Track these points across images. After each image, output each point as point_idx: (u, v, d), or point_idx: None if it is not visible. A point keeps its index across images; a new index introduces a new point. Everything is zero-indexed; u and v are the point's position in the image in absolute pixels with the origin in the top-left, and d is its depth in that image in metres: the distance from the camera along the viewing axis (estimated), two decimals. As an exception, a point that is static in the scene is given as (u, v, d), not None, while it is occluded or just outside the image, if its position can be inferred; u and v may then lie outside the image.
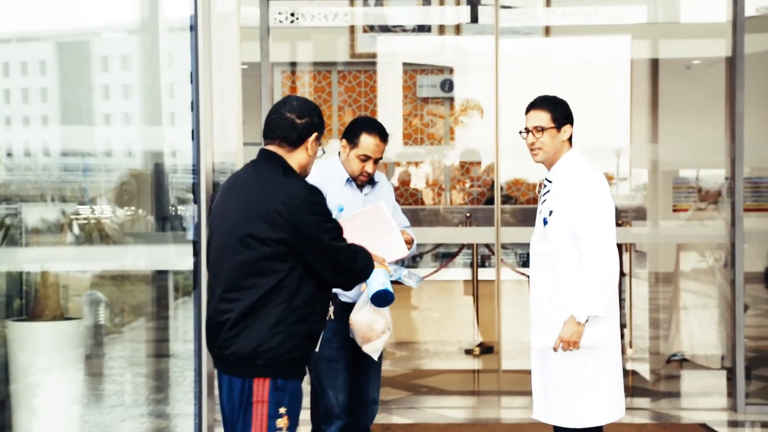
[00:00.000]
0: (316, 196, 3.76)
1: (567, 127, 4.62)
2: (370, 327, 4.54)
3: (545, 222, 4.56)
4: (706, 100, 14.85)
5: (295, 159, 3.86)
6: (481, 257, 9.63)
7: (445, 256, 10.07)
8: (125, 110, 7.71)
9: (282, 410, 3.80)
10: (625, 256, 9.33)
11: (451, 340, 9.47)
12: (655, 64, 10.45)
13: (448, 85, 14.00)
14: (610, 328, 4.52)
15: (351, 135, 4.81)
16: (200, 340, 5.15)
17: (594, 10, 9.57)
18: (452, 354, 9.05)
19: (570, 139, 4.65)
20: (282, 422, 3.82)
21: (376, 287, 4.09)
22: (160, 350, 7.54)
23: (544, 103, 4.64)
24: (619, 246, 9.75)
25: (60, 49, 7.35)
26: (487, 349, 8.81)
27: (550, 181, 4.63)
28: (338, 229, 3.81)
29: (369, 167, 4.78)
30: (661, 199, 14.97)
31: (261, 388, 3.78)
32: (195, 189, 5.30)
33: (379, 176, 4.95)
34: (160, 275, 7.34)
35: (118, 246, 7.06)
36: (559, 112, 4.61)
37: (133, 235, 7.35)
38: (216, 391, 5.03)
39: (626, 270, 9.33)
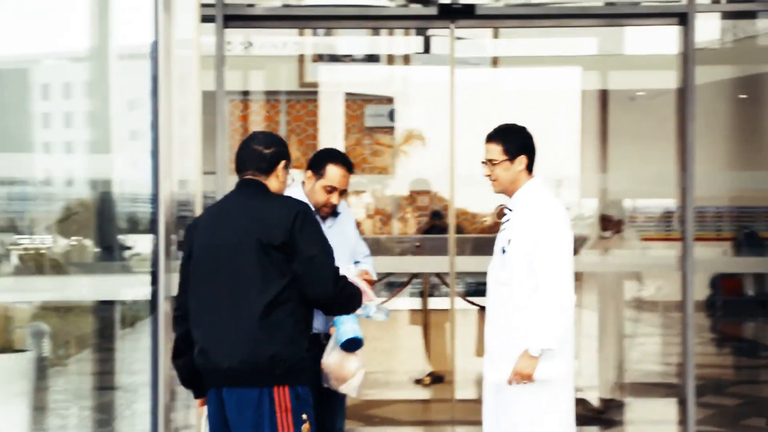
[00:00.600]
0: (310, 209, 4.06)
1: (522, 158, 4.61)
2: (343, 367, 4.53)
3: (504, 250, 4.58)
4: (652, 130, 15.06)
5: (269, 186, 4.14)
6: (431, 286, 9.64)
7: (393, 285, 10.06)
8: (70, 138, 7.65)
9: (304, 416, 3.94)
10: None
11: (400, 369, 9.46)
12: (603, 95, 10.58)
13: (394, 115, 14.05)
14: (564, 362, 4.53)
15: (316, 166, 4.81)
16: (157, 370, 5.10)
17: (545, 42, 9.69)
18: (402, 384, 9.04)
19: (530, 168, 4.65)
20: (305, 428, 3.95)
21: (346, 335, 4.19)
22: (106, 383, 7.45)
23: (497, 135, 4.65)
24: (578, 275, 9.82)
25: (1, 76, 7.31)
26: (437, 378, 8.81)
27: (511, 210, 4.66)
28: (329, 246, 4.04)
29: (334, 198, 4.81)
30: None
31: (282, 397, 3.90)
32: (153, 219, 5.26)
33: (342, 207, 4.96)
34: (105, 306, 7.26)
35: (62, 276, 6.98)
36: (512, 143, 4.61)
37: (77, 265, 7.27)
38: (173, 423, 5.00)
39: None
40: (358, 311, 4.34)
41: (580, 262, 8.70)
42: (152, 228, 5.34)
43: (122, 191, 7.13)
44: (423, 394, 8.75)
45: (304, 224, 3.96)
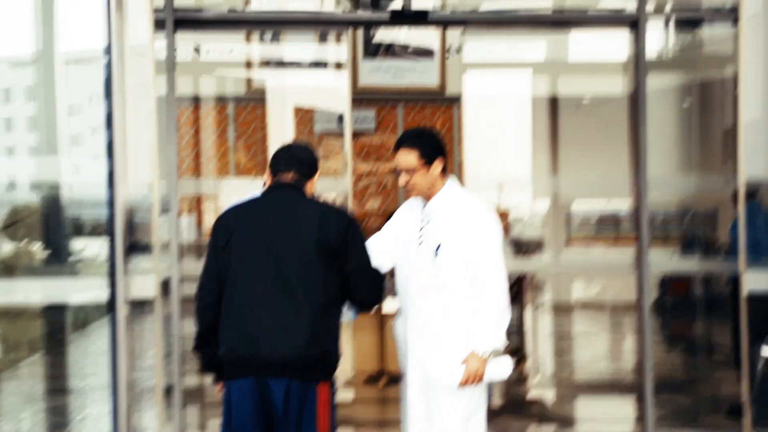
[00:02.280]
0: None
1: (437, 162, 4.58)
2: None
3: (436, 254, 4.54)
4: (600, 136, 15.26)
5: (307, 190, 4.40)
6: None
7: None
8: (13, 142, 7.60)
9: (336, 413, 4.18)
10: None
11: (355, 370, 9.45)
12: (554, 100, 10.68)
13: (344, 121, 14.08)
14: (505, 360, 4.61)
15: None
16: (117, 372, 5.08)
17: (497, 47, 9.75)
18: (356, 385, 9.03)
19: (444, 170, 4.63)
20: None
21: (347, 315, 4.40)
22: (58, 386, 7.38)
23: (410, 141, 4.59)
24: (520, 278, 9.93)
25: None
26: (394, 379, 8.81)
27: (427, 216, 4.63)
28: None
29: None
30: (557, 230, 15.29)
31: (324, 393, 4.09)
32: (110, 222, 5.25)
33: None
34: (55, 309, 7.20)
35: (10, 280, 6.90)
36: (427, 148, 4.58)
37: (25, 268, 7.20)
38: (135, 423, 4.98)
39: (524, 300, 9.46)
40: None
41: (535, 263, 8.80)
42: (109, 231, 5.33)
43: (70, 195, 7.07)
44: (377, 394, 8.75)
45: (356, 232, 4.26)
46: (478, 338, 4.47)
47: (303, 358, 4.04)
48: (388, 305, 4.88)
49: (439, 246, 4.53)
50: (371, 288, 4.30)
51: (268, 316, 4.08)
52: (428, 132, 4.68)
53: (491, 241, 4.51)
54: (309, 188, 4.39)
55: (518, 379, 9.48)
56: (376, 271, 4.34)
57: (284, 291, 4.09)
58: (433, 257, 4.55)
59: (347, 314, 4.53)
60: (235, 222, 4.25)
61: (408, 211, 4.77)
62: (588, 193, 15.96)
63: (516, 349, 10.93)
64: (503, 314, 4.49)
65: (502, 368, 4.51)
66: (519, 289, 10.31)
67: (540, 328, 11.49)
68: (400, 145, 4.60)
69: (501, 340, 4.47)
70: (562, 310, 15.78)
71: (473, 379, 4.45)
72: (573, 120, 15.52)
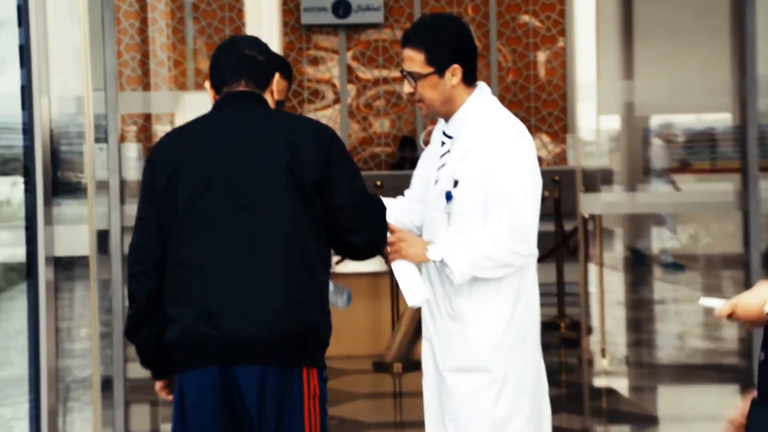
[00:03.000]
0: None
1: (455, 68, 4.43)
2: None
3: (449, 197, 4.45)
4: (689, 25, 15.17)
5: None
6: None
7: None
8: None
9: (327, 407, 4.10)
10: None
11: (361, 353, 9.49)
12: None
13: (343, 8, 13.95)
14: (528, 351, 4.51)
15: None
16: (38, 360, 5.09)
17: None
18: (365, 373, 9.08)
19: (468, 78, 4.49)
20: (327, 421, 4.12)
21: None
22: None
23: (416, 37, 4.46)
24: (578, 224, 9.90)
25: None
26: (413, 365, 8.84)
27: (450, 137, 4.53)
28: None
29: None
30: (631, 157, 15.28)
31: (312, 380, 4.03)
32: (26, 154, 5.21)
33: None
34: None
35: None
36: (439, 49, 4.43)
37: None
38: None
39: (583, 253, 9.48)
40: None
41: (604, 203, 8.82)
42: (25, 166, 5.30)
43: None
44: (390, 384, 8.81)
45: (342, 152, 4.11)
46: (445, 240, 4.36)
47: (281, 334, 3.96)
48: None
49: (456, 183, 4.42)
50: (369, 228, 4.21)
51: (229, 280, 4.00)
52: (444, 24, 4.52)
53: (522, 173, 4.38)
54: (269, 100, 4.27)
55: (579, 361, 9.52)
56: (374, 203, 4.24)
57: (250, 244, 4.01)
58: (444, 201, 4.45)
59: (338, 299, 4.49)
60: (176, 153, 4.14)
61: (434, 138, 4.69)
62: (673, 104, 15.88)
63: (574, 323, 10.99)
64: (495, 266, 4.35)
65: (417, 289, 4.40)
66: (577, 238, 10.31)
67: (609, 293, 11.51)
68: (404, 41, 4.50)
69: (463, 273, 4.32)
70: (640, 268, 15.83)
71: (394, 250, 4.37)
72: (652, 3, 15.39)
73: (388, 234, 4.37)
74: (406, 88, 4.48)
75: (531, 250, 4.36)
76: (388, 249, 4.37)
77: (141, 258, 4.17)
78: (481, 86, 4.52)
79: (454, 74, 4.42)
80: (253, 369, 3.96)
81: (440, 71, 4.41)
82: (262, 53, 4.25)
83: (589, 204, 8.61)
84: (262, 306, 3.96)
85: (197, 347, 4.01)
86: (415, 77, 4.43)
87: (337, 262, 8.89)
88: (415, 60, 4.43)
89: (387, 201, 4.59)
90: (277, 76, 4.28)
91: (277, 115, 4.21)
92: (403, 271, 4.40)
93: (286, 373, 3.98)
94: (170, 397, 4.24)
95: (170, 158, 4.13)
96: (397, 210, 4.67)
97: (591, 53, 10.62)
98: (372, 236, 4.23)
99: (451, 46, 4.43)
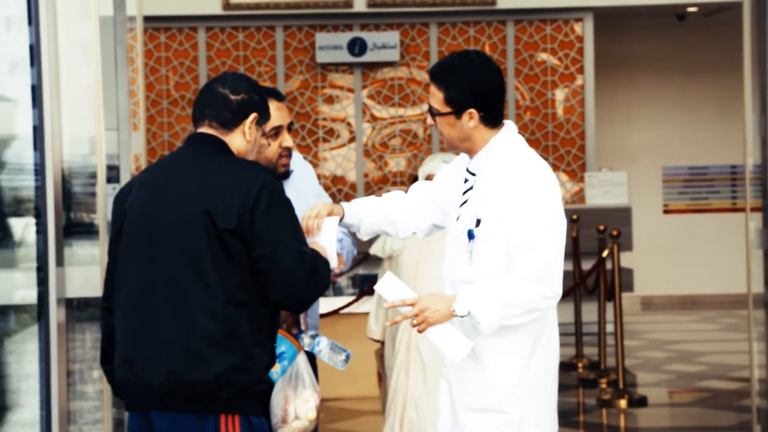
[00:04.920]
0: (279, 184, 4.11)
1: (471, 112, 4.39)
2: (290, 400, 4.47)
3: (471, 236, 4.42)
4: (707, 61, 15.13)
5: (232, 143, 4.20)
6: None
7: (366, 280, 10.01)
8: None
9: None
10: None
11: (376, 394, 9.45)
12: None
13: (359, 46, 13.96)
14: (546, 394, 4.47)
15: None
16: (48, 398, 5.10)
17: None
18: (379, 414, 9.04)
19: (491, 120, 4.44)
20: None
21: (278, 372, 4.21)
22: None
23: (438, 75, 4.45)
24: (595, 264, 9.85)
25: None
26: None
27: (473, 174, 4.51)
28: (301, 232, 4.15)
29: (287, 140, 4.92)
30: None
31: (231, 427, 3.98)
32: (38, 194, 5.22)
33: (294, 161, 5.08)
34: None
35: None
36: (456, 91, 4.39)
37: None
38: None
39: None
40: (305, 345, 4.36)
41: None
42: (37, 207, 5.30)
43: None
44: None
45: (271, 203, 4.02)
46: (468, 289, 4.31)
47: (190, 383, 3.94)
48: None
49: (478, 222, 4.40)
50: (281, 287, 4.05)
51: (145, 329, 4.02)
52: (468, 65, 4.47)
53: (545, 214, 4.35)
54: (238, 141, 4.21)
55: (600, 402, 9.49)
56: (298, 259, 4.06)
57: (167, 293, 4.00)
58: (467, 239, 4.43)
59: (337, 360, 4.41)
60: (130, 197, 4.20)
61: (456, 170, 4.68)
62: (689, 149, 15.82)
63: (591, 363, 10.94)
64: (526, 310, 4.33)
65: (458, 344, 4.37)
66: (596, 279, 10.29)
67: (626, 333, 11.47)
68: (430, 75, 4.50)
69: (491, 325, 4.29)
70: (654, 307, 15.77)
71: (419, 321, 4.30)
72: (667, 45, 15.35)
73: (409, 308, 4.28)
74: (429, 120, 4.49)
75: (557, 292, 4.31)
76: (414, 322, 4.35)
77: (105, 296, 4.27)
78: (508, 125, 4.48)
79: (471, 118, 4.38)
80: (166, 416, 3.99)
81: (457, 113, 4.39)
82: (237, 92, 4.20)
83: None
84: (174, 354, 3.96)
85: (124, 392, 4.10)
86: (434, 114, 4.45)
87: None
88: (435, 96, 4.43)
89: (393, 194, 4.68)
90: (252, 116, 4.21)
91: (220, 160, 4.13)
92: (437, 334, 4.36)
93: (200, 420, 3.96)
94: None
95: (124, 202, 4.19)
96: (383, 206, 4.71)
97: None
98: (286, 294, 4.08)
99: (469, 90, 4.38)
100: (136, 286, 4.05)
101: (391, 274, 4.43)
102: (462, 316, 4.28)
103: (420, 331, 4.32)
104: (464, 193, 4.51)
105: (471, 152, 4.48)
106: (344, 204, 4.69)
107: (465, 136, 4.43)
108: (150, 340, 3.98)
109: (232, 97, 4.18)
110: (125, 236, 4.11)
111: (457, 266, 4.45)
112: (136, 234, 4.08)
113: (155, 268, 4.01)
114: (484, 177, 4.43)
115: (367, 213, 4.70)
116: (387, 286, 4.37)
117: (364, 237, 4.79)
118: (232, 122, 4.18)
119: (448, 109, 4.40)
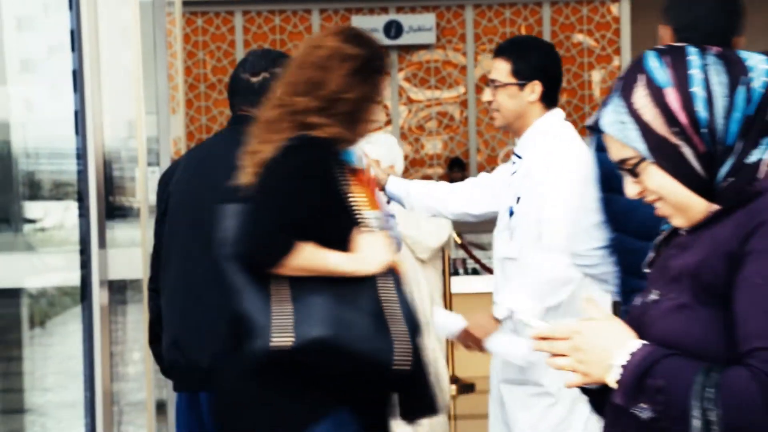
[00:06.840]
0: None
1: (535, 84, 4.59)
2: None
3: (511, 213, 4.57)
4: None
5: None
6: (453, 261, 9.66)
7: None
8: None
9: None
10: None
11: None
12: None
13: (395, 29, 13.98)
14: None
15: None
16: (93, 383, 5.15)
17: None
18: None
19: (548, 100, 4.63)
20: None
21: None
22: (11, 404, 7.49)
23: (506, 49, 4.67)
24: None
25: None
26: (466, 386, 8.85)
27: (520, 156, 4.65)
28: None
29: None
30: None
31: None
32: (79, 178, 5.27)
33: None
34: (3, 298, 7.29)
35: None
36: (526, 62, 4.60)
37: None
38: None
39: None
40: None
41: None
42: (79, 191, 5.36)
43: (22, 141, 7.12)
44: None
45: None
46: (502, 296, 4.46)
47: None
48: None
49: (518, 200, 4.51)
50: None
51: (192, 308, 4.10)
52: (536, 43, 4.77)
53: (559, 199, 4.42)
54: None
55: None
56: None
57: (212, 271, 3.97)
58: (508, 217, 4.57)
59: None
60: (174, 178, 4.30)
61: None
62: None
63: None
64: (549, 284, 4.42)
65: (514, 346, 4.43)
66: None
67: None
68: (495, 52, 4.69)
69: (534, 311, 4.33)
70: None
71: (473, 342, 4.45)
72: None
73: (458, 329, 4.39)
74: (486, 96, 4.66)
75: (583, 251, 4.29)
76: (464, 345, 4.43)
77: (152, 277, 4.39)
78: (555, 111, 4.61)
79: (533, 90, 4.58)
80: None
81: (521, 84, 4.57)
82: (257, 73, 4.24)
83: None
84: (214, 336, 3.94)
85: (172, 373, 4.22)
86: (497, 85, 4.58)
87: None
88: (500, 70, 4.61)
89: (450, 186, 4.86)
90: None
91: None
92: (496, 344, 4.42)
93: None
94: None
95: (168, 183, 4.32)
96: (456, 195, 4.93)
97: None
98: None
99: (537, 64, 4.60)
100: (182, 267, 4.12)
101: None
102: (507, 319, 4.38)
103: (481, 350, 4.49)
104: (512, 174, 4.67)
105: (519, 131, 4.67)
106: (391, 177, 4.79)
107: (521, 111, 4.61)
108: (196, 322, 4.06)
109: (253, 80, 4.25)
110: (170, 218, 4.17)
111: (500, 244, 4.64)
112: (180, 216, 4.15)
113: (199, 250, 4.07)
114: (525, 158, 4.52)
115: (414, 188, 4.80)
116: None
117: (413, 210, 4.88)
118: (260, 103, 4.03)
119: (512, 80, 4.59)
